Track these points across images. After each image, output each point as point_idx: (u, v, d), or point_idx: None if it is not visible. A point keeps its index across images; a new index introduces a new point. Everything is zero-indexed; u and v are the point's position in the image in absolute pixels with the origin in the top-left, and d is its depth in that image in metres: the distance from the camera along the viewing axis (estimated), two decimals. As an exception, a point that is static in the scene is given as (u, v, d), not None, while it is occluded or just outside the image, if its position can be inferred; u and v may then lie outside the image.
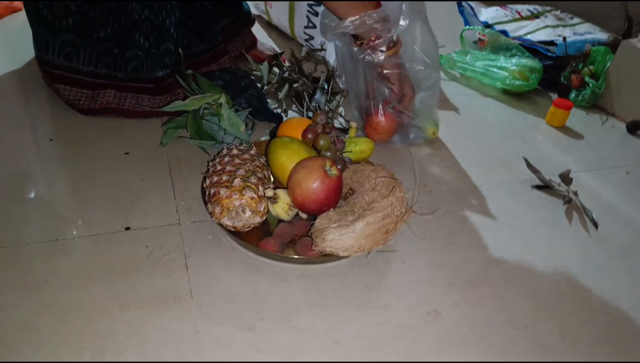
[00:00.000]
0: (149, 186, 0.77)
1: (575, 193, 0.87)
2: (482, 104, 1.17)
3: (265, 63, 1.07)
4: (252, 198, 0.65)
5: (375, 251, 0.65)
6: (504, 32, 1.32)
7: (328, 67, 1.08)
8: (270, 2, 1.33)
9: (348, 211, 0.66)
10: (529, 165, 0.92)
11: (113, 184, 0.76)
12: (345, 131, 0.96)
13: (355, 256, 0.65)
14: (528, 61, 1.19)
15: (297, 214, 0.71)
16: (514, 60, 1.20)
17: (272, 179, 0.75)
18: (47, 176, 0.77)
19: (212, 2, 1.04)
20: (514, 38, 1.30)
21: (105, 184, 0.76)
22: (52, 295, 0.57)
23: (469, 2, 1.43)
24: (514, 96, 1.20)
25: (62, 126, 0.88)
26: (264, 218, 0.68)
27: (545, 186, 0.89)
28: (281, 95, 1.03)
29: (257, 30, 1.25)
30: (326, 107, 0.99)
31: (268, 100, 1.01)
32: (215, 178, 0.68)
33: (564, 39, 1.24)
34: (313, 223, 0.66)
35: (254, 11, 1.43)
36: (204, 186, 0.70)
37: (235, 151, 0.72)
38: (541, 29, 1.32)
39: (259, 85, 1.05)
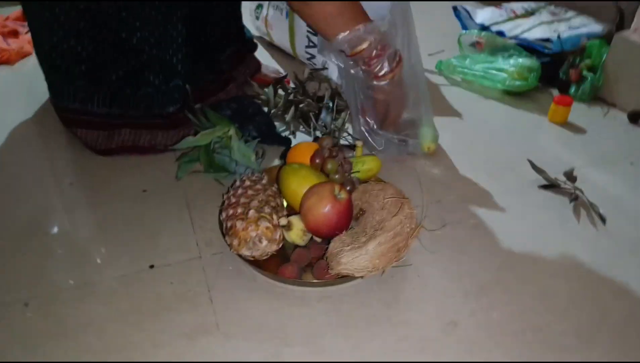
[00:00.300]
0: (169, 221, 0.80)
1: (581, 191, 0.89)
2: (485, 108, 1.19)
3: (271, 87, 1.10)
4: (267, 228, 0.68)
5: (390, 267, 0.67)
6: (501, 33, 1.34)
7: (331, 84, 1.12)
8: (270, 23, 1.36)
9: (360, 232, 0.69)
10: (533, 166, 0.94)
11: (134, 223, 0.79)
12: (352, 147, 0.98)
13: (371, 275, 0.68)
14: (526, 60, 1.21)
15: (311, 238, 0.74)
16: (511, 60, 1.22)
17: (285, 205, 0.78)
18: (70, 221, 0.80)
19: (216, 33, 1.08)
20: (510, 38, 1.32)
21: (126, 224, 0.79)
22: (89, 341, 0.61)
23: (464, 6, 1.46)
24: (515, 96, 1.22)
25: (81, 169, 0.92)
26: (281, 245, 0.71)
27: (551, 186, 0.91)
28: (288, 117, 1.06)
29: (260, 51, 1.29)
30: (332, 126, 1.02)
31: (276, 123, 1.04)
32: (231, 211, 0.71)
33: (559, 36, 1.25)
34: (328, 247, 0.68)
35: (255, 32, 1.46)
36: (221, 219, 0.74)
37: (247, 183, 0.75)
38: (537, 26, 1.34)
39: (265, 109, 1.08)
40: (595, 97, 1.22)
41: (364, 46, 0.84)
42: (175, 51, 0.91)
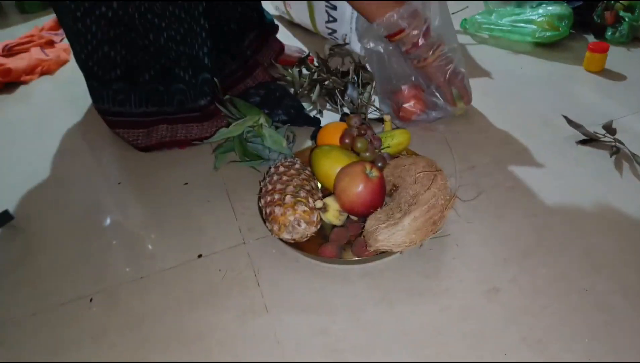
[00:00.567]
0: (212, 211, 0.84)
1: (622, 143, 0.86)
2: (515, 63, 1.16)
3: (295, 68, 1.11)
4: (304, 211, 0.71)
5: (427, 240, 0.68)
6: (527, -19, 1.28)
7: (354, 58, 1.11)
8: (289, 2, 1.36)
9: (395, 207, 0.70)
10: (569, 122, 0.91)
11: (180, 215, 0.84)
12: (381, 120, 0.99)
13: (409, 249, 0.69)
14: (555, 8, 1.16)
15: (348, 217, 0.76)
16: (540, 10, 1.17)
17: (319, 187, 0.80)
18: (123, 219, 0.85)
19: (236, 21, 1.09)
20: (538, -15, 1.26)
21: (173, 217, 0.84)
22: (150, 329, 0.66)
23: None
24: (547, 47, 1.17)
25: (127, 167, 0.97)
26: (319, 226, 0.73)
27: (590, 140, 0.89)
28: (314, 96, 1.07)
29: (281, 31, 1.29)
30: (359, 101, 1.02)
31: (303, 103, 1.05)
32: (269, 198, 0.73)
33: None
34: (364, 224, 0.70)
35: (274, 12, 1.47)
36: (259, 205, 0.77)
37: (281, 169, 0.77)
38: (566, -31, 1.27)
39: (292, 91, 1.10)
40: (635, 39, 1.16)
41: (407, 32, 0.86)
42: (201, 45, 0.93)
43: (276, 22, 1.26)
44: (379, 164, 0.78)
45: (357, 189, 0.70)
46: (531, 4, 1.21)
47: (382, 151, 0.82)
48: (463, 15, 1.28)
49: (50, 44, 1.45)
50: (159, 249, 0.78)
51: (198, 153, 0.97)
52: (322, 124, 1.00)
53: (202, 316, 0.67)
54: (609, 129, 0.88)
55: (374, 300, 0.67)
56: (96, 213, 0.87)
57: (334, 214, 0.73)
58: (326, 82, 1.08)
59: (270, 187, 0.75)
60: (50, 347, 0.65)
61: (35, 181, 0.95)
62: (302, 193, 0.72)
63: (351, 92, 1.04)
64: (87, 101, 1.08)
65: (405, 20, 0.85)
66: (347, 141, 0.80)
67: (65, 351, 0.64)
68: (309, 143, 0.96)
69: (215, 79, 0.95)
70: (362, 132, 0.80)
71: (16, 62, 1.32)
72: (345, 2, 0.92)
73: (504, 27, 1.20)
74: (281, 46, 1.23)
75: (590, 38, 1.20)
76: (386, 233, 0.65)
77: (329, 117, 1.04)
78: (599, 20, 1.17)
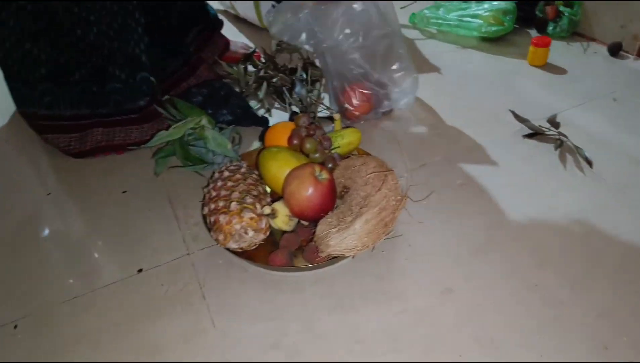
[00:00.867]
0: (153, 220, 0.79)
1: (565, 136, 0.87)
2: (463, 58, 1.16)
3: (240, 65, 1.06)
4: (251, 218, 0.67)
5: (379, 242, 0.66)
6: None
7: (302, 54, 1.08)
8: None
9: (346, 210, 0.68)
10: (516, 116, 0.92)
11: (117, 227, 0.78)
12: (331, 119, 0.96)
13: (361, 253, 0.67)
14: (500, 4, 1.17)
15: (298, 221, 0.73)
16: (485, 5, 1.18)
17: (268, 191, 0.76)
18: (52, 233, 0.78)
19: (177, 16, 1.03)
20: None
21: (110, 229, 0.78)
22: (84, 354, 0.60)
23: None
24: (492, 41, 1.19)
25: (58, 176, 0.89)
26: (268, 233, 0.70)
27: (536, 134, 0.90)
28: (261, 94, 1.03)
29: (227, 27, 1.24)
30: (308, 99, 0.99)
31: (250, 102, 1.01)
32: (212, 206, 0.69)
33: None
34: (315, 229, 0.67)
35: (219, 7, 1.41)
36: (203, 214, 0.72)
37: (226, 174, 0.73)
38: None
39: (237, 89, 1.05)
40: (574, 33, 1.19)
41: None
42: (137, 41, 0.87)
43: (220, 17, 1.21)
44: (329, 166, 0.76)
45: (307, 193, 0.67)
46: (477, -3, 1.22)
47: (332, 151, 0.79)
48: (412, 10, 1.27)
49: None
50: (94, 265, 0.72)
51: (137, 158, 0.91)
52: (270, 124, 0.96)
53: (143, 337, 0.62)
54: (553, 123, 0.89)
55: (328, 308, 0.64)
56: (23, 229, 0.79)
57: (283, 220, 0.70)
58: (274, 80, 1.04)
59: (214, 194, 0.71)
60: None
61: (-47, 194, 0.86)
62: (249, 199, 0.69)
63: (300, 90, 1.01)
64: (10, 102, 0.99)
65: None
66: (295, 141, 0.77)
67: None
68: (257, 144, 0.92)
69: (153, 78, 0.89)
70: (311, 132, 0.77)
71: None
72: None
73: (451, 22, 1.21)
74: (226, 42, 1.18)
75: (533, 33, 1.22)
76: (337, 237, 0.63)
77: (277, 117, 1.00)
78: (540, 15, 1.20)
